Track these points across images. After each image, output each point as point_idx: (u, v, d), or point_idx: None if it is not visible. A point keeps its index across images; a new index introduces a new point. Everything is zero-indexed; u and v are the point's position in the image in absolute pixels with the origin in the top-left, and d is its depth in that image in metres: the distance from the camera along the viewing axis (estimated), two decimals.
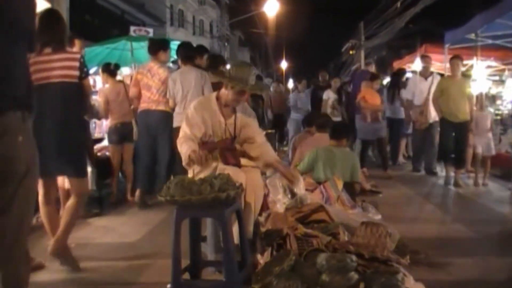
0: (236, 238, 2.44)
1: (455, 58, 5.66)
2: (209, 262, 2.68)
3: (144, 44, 7.71)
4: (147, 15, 20.69)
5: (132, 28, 10.55)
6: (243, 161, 2.85)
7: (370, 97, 6.39)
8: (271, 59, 41.80)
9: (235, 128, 2.88)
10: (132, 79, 4.82)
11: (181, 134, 2.78)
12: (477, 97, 6.24)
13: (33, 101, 1.67)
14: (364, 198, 4.27)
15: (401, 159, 7.59)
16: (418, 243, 3.03)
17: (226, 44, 28.00)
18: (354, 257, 2.20)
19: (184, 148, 2.68)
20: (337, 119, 7.13)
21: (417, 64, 7.82)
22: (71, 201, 2.86)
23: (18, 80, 1.60)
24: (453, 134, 5.56)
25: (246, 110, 3.95)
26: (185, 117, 2.85)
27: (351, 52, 23.89)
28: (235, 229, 2.46)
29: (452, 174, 5.55)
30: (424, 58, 6.83)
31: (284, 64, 35.65)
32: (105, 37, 9.93)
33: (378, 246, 2.44)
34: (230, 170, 2.51)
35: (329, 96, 7.57)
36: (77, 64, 2.80)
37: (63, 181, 3.60)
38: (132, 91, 4.64)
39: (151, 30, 11.18)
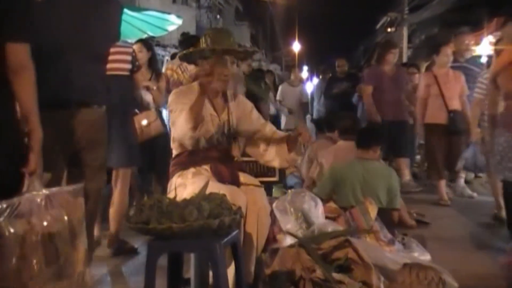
0: (231, 281, 2.45)
1: None
2: None
3: None
4: None
5: None
6: (243, 177, 2.87)
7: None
8: (278, 39, 42.01)
9: (229, 124, 2.95)
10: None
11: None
12: None
13: None
14: (406, 231, 4.28)
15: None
16: None
17: (218, 16, 28.22)
18: None
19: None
20: None
21: (484, 47, 7.31)
22: (117, 197, 3.86)
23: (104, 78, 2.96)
24: None
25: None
26: (174, 113, 2.83)
27: (388, 29, 24.01)
28: (231, 269, 2.48)
29: None
30: None
31: (296, 46, 35.66)
32: None
33: None
34: (225, 190, 2.53)
35: None
36: (129, 58, 3.78)
37: None
38: None
39: None
